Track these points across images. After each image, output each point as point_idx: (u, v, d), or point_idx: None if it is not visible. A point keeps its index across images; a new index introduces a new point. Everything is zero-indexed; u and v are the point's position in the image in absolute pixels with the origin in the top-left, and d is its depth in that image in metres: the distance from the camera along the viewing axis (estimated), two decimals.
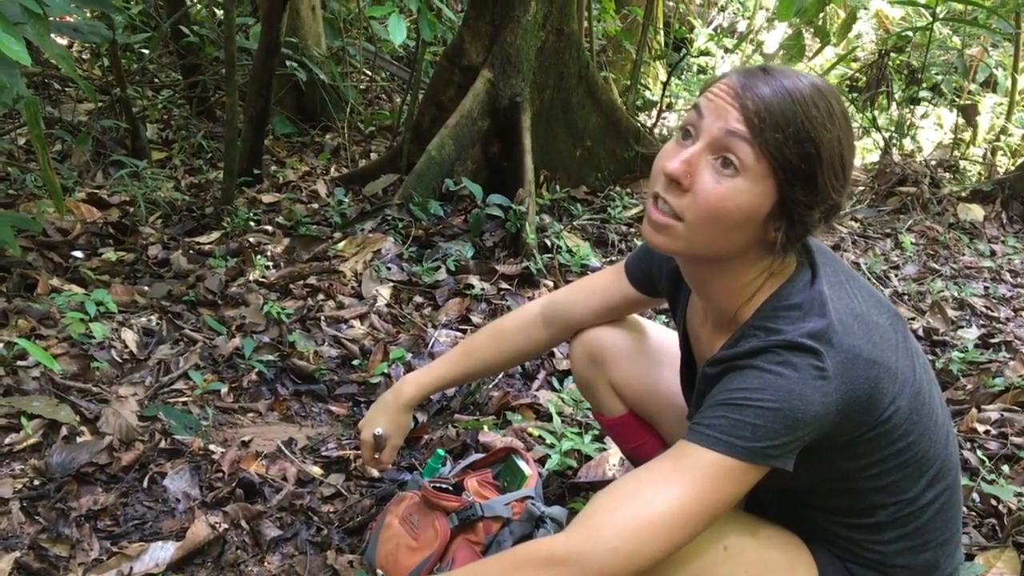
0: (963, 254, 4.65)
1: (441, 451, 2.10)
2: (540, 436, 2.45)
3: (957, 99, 6.56)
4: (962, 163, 6.18)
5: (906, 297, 3.89)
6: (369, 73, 6.52)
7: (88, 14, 4.33)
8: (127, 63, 5.66)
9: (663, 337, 1.89)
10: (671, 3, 8.44)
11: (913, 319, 3.59)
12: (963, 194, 5.41)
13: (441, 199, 4.05)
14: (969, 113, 6.49)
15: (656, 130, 5.69)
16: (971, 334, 3.49)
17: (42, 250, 3.33)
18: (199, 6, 6.16)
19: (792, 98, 1.21)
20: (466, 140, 4.14)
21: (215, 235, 3.73)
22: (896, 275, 4.20)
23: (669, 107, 6.81)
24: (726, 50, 8.92)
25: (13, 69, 2.48)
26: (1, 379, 2.45)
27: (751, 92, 1.22)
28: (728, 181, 1.23)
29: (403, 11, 3.57)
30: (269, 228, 3.84)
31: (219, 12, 6.25)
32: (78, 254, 3.39)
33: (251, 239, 3.68)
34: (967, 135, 6.61)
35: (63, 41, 5.21)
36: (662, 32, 7.84)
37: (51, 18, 2.72)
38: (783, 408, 1.22)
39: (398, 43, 3.03)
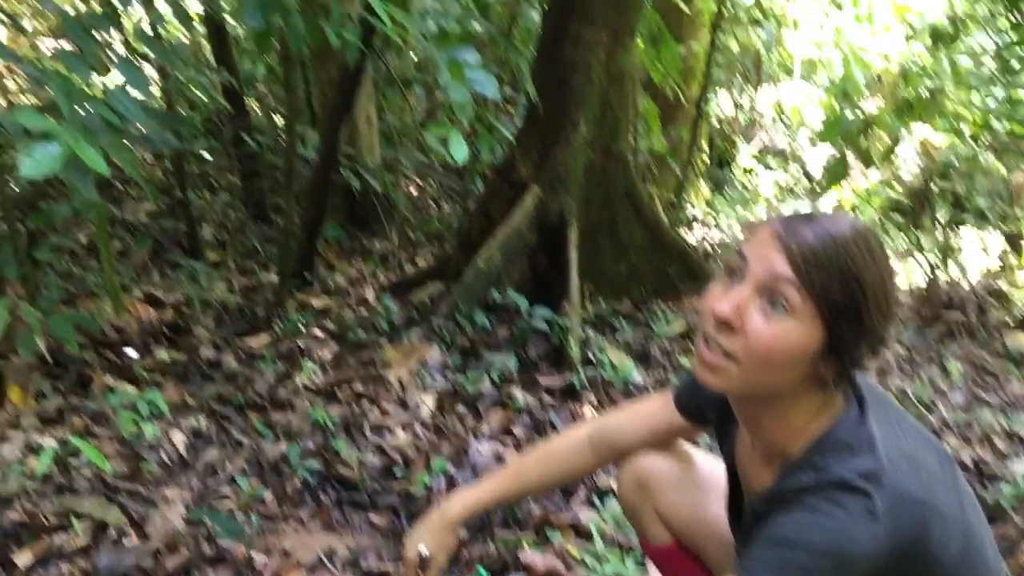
0: (1011, 383, 4.58)
1: (482, 570, 2.09)
2: (582, 559, 2.43)
3: (1002, 225, 6.55)
4: (1009, 290, 6.13)
5: (954, 426, 3.84)
6: (420, 181, 6.69)
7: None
8: (188, 166, 5.87)
9: (711, 467, 1.89)
10: (716, 124, 8.60)
11: (961, 449, 3.54)
12: (1011, 322, 5.36)
13: (487, 309, 4.11)
14: (1015, 240, 6.47)
15: (700, 246, 5.74)
16: (1021, 467, 3.42)
17: (98, 348, 3.42)
18: (260, 114, 6.41)
19: (834, 240, 1.25)
20: (513, 253, 4.22)
21: (265, 338, 3.80)
22: (943, 403, 4.15)
23: (715, 224, 6.89)
24: (767, 167, 9.02)
25: (87, 176, 2.60)
26: (54, 478, 2.49)
27: (794, 236, 1.26)
28: (778, 323, 1.26)
29: (453, 122, 3.70)
30: (319, 333, 3.90)
31: (278, 119, 6.49)
32: (132, 353, 3.47)
33: (300, 343, 3.74)
34: (1014, 261, 6.58)
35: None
36: (706, 150, 7.98)
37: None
38: (833, 549, 1.22)
39: (460, 161, 3.15)
